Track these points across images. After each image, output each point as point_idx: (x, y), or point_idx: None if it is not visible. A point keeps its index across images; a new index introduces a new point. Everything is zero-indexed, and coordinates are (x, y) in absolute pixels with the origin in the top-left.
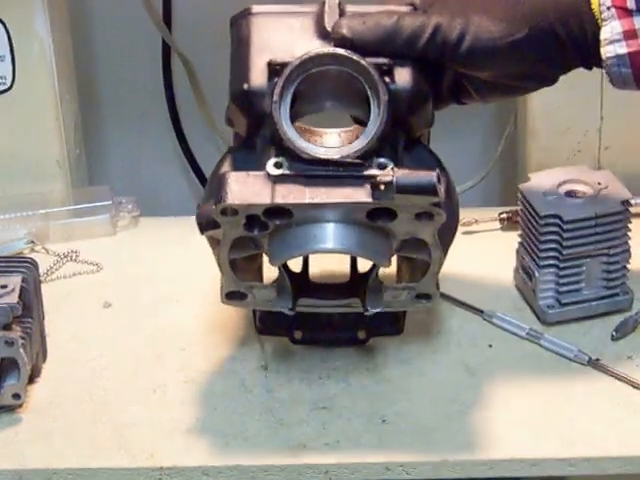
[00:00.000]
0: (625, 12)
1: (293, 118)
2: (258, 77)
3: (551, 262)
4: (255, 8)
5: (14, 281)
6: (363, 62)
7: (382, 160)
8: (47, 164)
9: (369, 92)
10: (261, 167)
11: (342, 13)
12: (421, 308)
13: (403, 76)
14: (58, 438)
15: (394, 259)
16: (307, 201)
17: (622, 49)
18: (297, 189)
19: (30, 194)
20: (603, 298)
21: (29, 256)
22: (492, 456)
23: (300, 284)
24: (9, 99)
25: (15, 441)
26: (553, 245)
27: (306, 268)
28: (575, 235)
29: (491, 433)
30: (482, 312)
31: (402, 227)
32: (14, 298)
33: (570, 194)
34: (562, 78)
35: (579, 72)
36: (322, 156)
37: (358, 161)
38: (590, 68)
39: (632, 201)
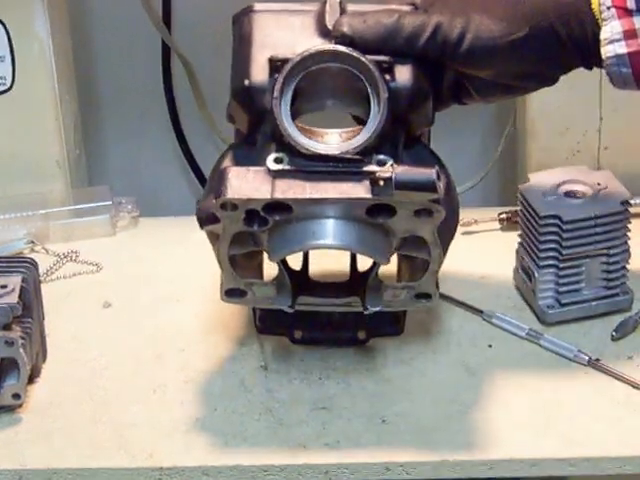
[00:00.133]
0: (625, 12)
1: (294, 116)
2: (259, 73)
3: (551, 262)
4: (257, 6)
5: (14, 281)
6: (364, 59)
7: (382, 157)
8: (47, 164)
9: (369, 89)
10: (262, 163)
11: (343, 11)
12: (421, 308)
13: (403, 74)
14: (58, 438)
15: (394, 258)
16: (307, 196)
17: (622, 49)
18: (297, 184)
19: (30, 194)
20: (603, 298)
21: (29, 256)
22: (492, 456)
23: (300, 282)
24: (9, 99)
25: (15, 441)
26: (553, 245)
27: (306, 266)
28: (575, 235)
29: (491, 433)
30: (482, 312)
31: (401, 224)
32: (14, 298)
33: (570, 194)
34: (562, 78)
35: (579, 72)
36: (322, 152)
37: (358, 157)
38: (590, 68)
39: (632, 201)
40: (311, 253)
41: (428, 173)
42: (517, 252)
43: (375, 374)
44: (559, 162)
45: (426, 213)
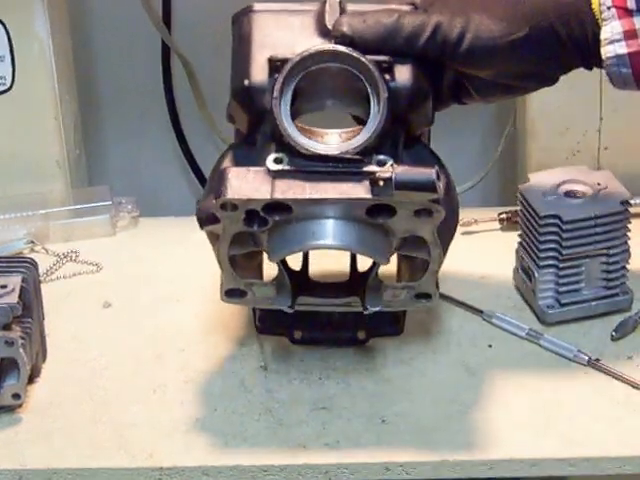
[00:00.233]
0: (625, 12)
1: (294, 116)
2: (259, 73)
3: (551, 262)
4: (257, 6)
5: (14, 281)
6: (363, 59)
7: (381, 157)
8: (47, 164)
9: (369, 89)
10: (261, 163)
11: (343, 11)
12: (421, 308)
13: (403, 74)
14: (58, 438)
15: (394, 258)
16: (307, 196)
17: (622, 49)
18: (297, 185)
19: (30, 194)
20: (603, 298)
21: (29, 256)
22: (492, 456)
23: (300, 282)
24: (9, 99)
25: (15, 441)
26: (553, 245)
27: (306, 266)
28: (574, 235)
29: (491, 433)
30: (482, 312)
31: (401, 224)
32: (14, 298)
33: (570, 194)
34: (562, 78)
35: (579, 72)
36: (322, 152)
37: (357, 157)
38: (590, 68)
39: (631, 201)
40: (311, 253)
41: (428, 173)
42: (517, 252)
43: (375, 374)
44: (559, 162)
45: (426, 213)
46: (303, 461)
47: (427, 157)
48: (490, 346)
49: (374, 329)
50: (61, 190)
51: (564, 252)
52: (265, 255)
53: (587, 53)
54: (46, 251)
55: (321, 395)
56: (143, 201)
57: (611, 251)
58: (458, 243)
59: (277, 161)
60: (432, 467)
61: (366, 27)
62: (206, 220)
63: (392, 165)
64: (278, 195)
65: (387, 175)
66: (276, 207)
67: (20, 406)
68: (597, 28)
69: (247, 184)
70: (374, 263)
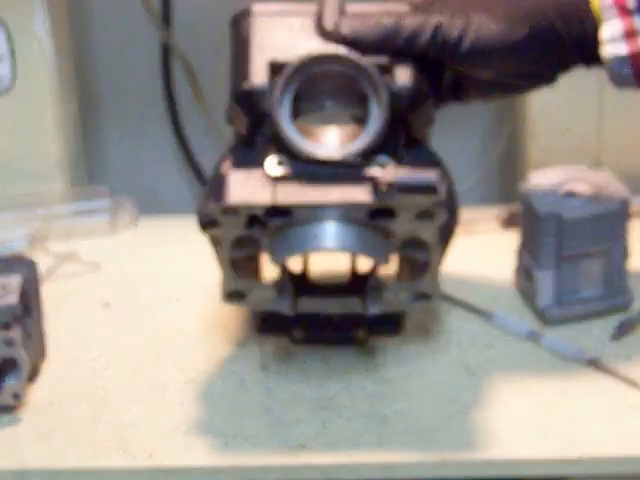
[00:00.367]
0: (625, 11)
1: (293, 117)
2: (258, 76)
3: (551, 262)
4: (256, 7)
5: (14, 281)
6: (363, 61)
7: (383, 159)
8: (47, 164)
9: (369, 91)
10: (262, 166)
11: (342, 12)
12: (421, 308)
13: (403, 75)
14: (58, 438)
15: (394, 259)
16: (308, 201)
17: (622, 49)
18: (297, 189)
19: (30, 194)
20: (603, 298)
21: (29, 256)
22: (492, 456)
23: (300, 284)
24: (9, 99)
25: (15, 441)
26: (553, 245)
27: (306, 268)
28: (575, 235)
29: (491, 433)
30: (482, 312)
31: (402, 226)
32: (14, 298)
33: (570, 194)
34: (562, 78)
35: (579, 72)
36: (322, 156)
37: (358, 160)
38: (590, 68)
39: (632, 201)
40: (311, 254)
41: (430, 176)
42: (517, 252)
43: (375, 374)
44: (559, 161)
45: (427, 215)
46: (303, 461)
47: (428, 158)
48: (490, 346)
49: (374, 329)
50: (61, 190)
51: (564, 252)
52: (265, 257)
53: (587, 53)
54: (46, 251)
55: (321, 395)
56: (143, 201)
57: (611, 251)
58: (458, 243)
59: (278, 165)
60: (432, 467)
61: (366, 28)
62: (207, 224)
63: (393, 168)
64: (279, 200)
65: (388, 178)
66: (277, 211)
67: (20, 406)
68: (597, 28)
69: (248, 189)
70: (374, 264)
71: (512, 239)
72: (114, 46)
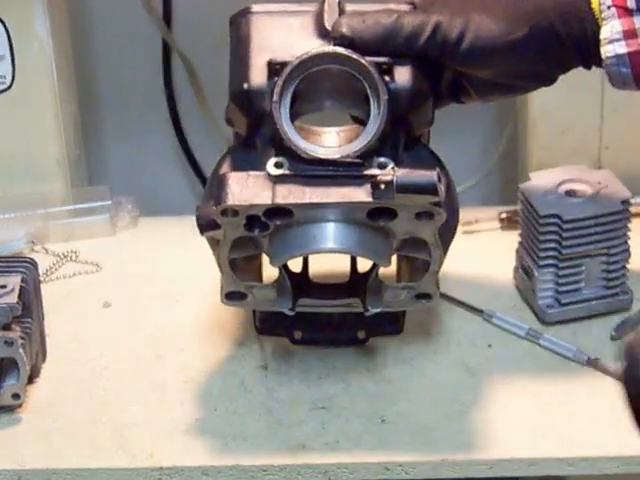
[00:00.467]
0: (625, 11)
1: (293, 117)
2: (258, 76)
3: (551, 262)
4: (255, 7)
5: (14, 281)
6: (363, 61)
7: (382, 159)
8: (47, 164)
9: (369, 91)
10: (261, 167)
11: (342, 12)
12: (421, 308)
13: (403, 75)
14: (58, 438)
15: (394, 259)
16: (307, 201)
17: (622, 49)
18: (297, 189)
19: (30, 194)
20: (603, 298)
21: (29, 256)
22: (492, 456)
23: (300, 284)
24: (9, 99)
25: (15, 441)
26: (553, 245)
27: (306, 268)
28: (575, 235)
29: (491, 433)
30: (482, 312)
31: (402, 226)
32: (14, 298)
33: (570, 194)
34: (562, 78)
35: (579, 72)
36: (322, 156)
37: (358, 161)
38: (590, 68)
39: (632, 201)
40: (311, 255)
41: (429, 176)
42: (517, 252)
43: (375, 374)
44: (560, 161)
45: (427, 215)
46: (303, 461)
47: (427, 158)
48: (490, 346)
49: (374, 329)
50: (61, 190)
51: (564, 251)
52: (265, 257)
53: (587, 52)
54: (46, 251)
55: (321, 395)
56: (143, 201)
57: (611, 251)
58: (458, 243)
59: (277, 165)
60: (432, 467)
61: (365, 27)
62: (206, 226)
63: (393, 168)
64: (279, 200)
65: (388, 178)
66: (277, 212)
67: (20, 406)
68: (597, 27)
69: (247, 189)
70: (374, 264)
71: (512, 239)
72: (114, 46)
